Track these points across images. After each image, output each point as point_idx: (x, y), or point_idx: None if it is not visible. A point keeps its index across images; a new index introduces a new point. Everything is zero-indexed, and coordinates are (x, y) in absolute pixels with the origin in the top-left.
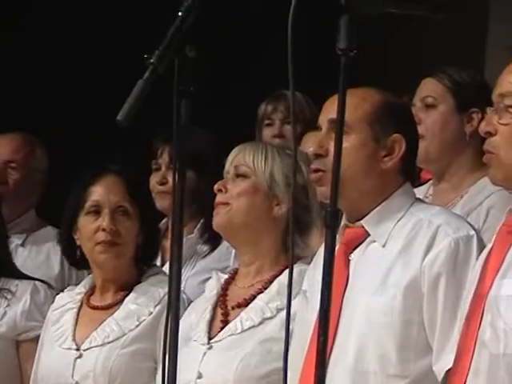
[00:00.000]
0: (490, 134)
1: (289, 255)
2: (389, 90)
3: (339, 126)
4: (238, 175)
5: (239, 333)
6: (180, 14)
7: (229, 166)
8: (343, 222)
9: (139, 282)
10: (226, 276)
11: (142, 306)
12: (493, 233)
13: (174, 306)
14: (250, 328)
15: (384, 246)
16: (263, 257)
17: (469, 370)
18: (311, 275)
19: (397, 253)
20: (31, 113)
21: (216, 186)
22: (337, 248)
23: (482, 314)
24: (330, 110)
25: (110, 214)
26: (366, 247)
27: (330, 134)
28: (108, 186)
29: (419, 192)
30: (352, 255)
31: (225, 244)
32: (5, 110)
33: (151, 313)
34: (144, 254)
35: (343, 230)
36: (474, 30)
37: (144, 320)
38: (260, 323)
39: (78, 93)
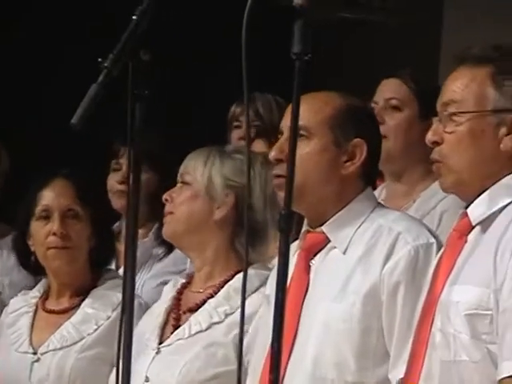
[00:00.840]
0: (437, 144)
1: (240, 259)
2: (343, 92)
3: (293, 129)
4: (182, 183)
5: (187, 337)
6: (134, 17)
7: (178, 174)
8: (305, 227)
9: (95, 286)
10: (184, 280)
11: (99, 310)
12: (446, 236)
13: (128, 311)
14: (197, 333)
15: (344, 253)
16: (213, 261)
17: (420, 374)
18: (274, 279)
19: (357, 260)
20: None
21: (163, 197)
22: (298, 253)
23: (433, 318)
24: (289, 116)
25: (60, 218)
26: (327, 253)
27: None
28: (57, 190)
29: None
30: (313, 261)
31: None
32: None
33: (109, 317)
34: (98, 257)
35: (304, 235)
36: (429, 33)
37: (102, 324)
38: (207, 328)
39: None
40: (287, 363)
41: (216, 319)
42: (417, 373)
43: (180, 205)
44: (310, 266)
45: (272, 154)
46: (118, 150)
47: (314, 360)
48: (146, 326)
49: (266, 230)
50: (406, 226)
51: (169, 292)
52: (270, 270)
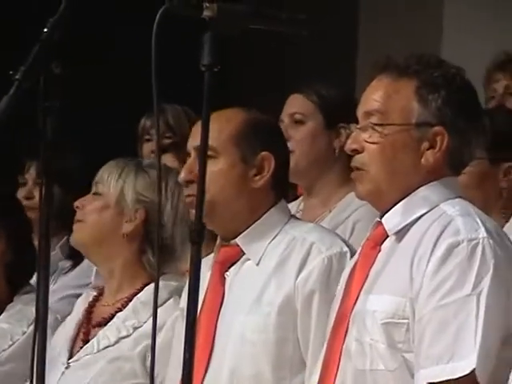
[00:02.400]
0: (357, 152)
1: (148, 273)
2: (254, 105)
3: (203, 141)
4: (95, 193)
5: (95, 353)
6: (45, 30)
7: (93, 183)
8: (219, 240)
9: (12, 301)
10: (95, 293)
11: (14, 325)
12: (359, 246)
13: (42, 325)
14: (105, 348)
15: (258, 264)
16: (120, 273)
17: (334, 382)
18: None
19: (271, 271)
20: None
21: (75, 204)
22: (213, 266)
23: (348, 328)
24: (195, 137)
25: None
26: (241, 265)
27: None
28: None
29: (291, 208)
30: (227, 273)
31: (86, 261)
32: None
33: (24, 332)
34: (15, 272)
35: (218, 248)
36: (344, 44)
37: (18, 340)
38: (116, 342)
39: None
40: (204, 376)
41: (124, 333)
42: (331, 381)
43: (90, 214)
44: (224, 278)
45: (182, 177)
46: (24, 164)
47: (230, 372)
48: (58, 340)
49: (173, 247)
50: (319, 237)
51: (80, 305)
52: (179, 281)
